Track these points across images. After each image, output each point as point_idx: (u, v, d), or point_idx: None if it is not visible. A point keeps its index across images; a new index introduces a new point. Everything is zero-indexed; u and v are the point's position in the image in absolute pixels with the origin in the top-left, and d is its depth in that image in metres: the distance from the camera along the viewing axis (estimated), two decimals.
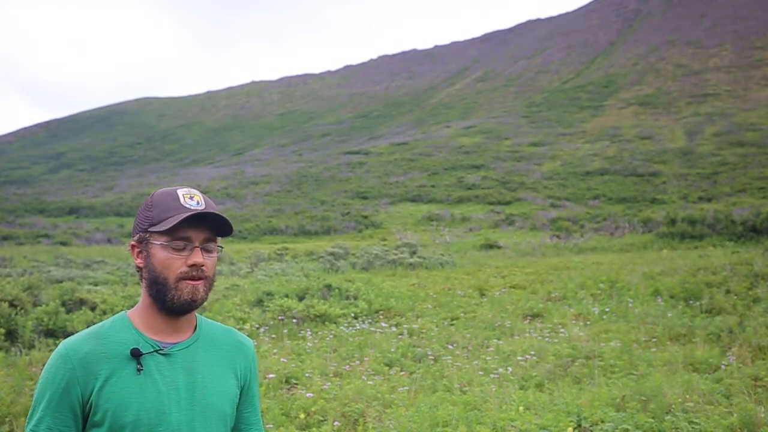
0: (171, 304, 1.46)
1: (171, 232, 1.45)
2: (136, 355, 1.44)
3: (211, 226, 1.50)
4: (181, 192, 1.50)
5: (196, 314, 1.60)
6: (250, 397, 1.65)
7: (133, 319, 1.51)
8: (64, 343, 1.46)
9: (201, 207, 1.48)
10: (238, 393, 1.60)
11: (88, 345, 1.44)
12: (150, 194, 1.55)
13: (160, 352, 1.48)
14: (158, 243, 1.46)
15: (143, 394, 1.42)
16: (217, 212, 1.48)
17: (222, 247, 1.56)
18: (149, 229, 1.47)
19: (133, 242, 1.52)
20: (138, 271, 1.52)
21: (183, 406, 1.46)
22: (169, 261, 1.46)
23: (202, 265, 1.47)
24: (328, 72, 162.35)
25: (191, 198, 1.49)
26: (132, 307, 1.59)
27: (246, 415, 1.65)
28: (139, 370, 1.44)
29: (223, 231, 1.52)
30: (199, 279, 1.47)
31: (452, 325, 8.76)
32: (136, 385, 1.43)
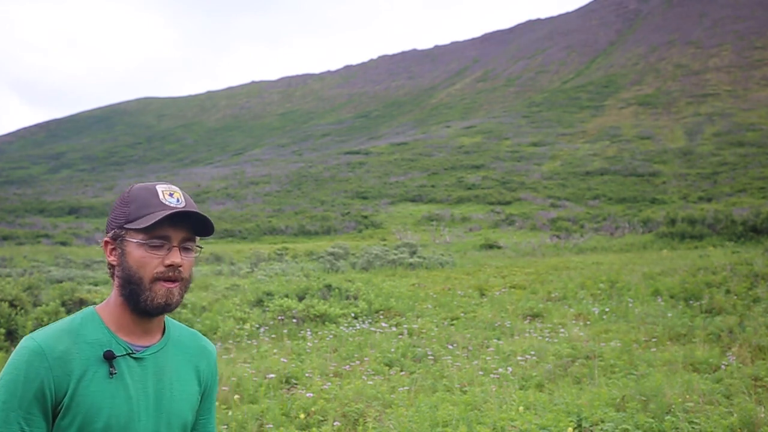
0: (144, 306, 1.39)
1: (149, 230, 1.39)
2: (109, 357, 1.37)
3: (191, 225, 1.43)
4: (160, 188, 1.43)
5: (165, 316, 1.53)
6: (209, 403, 1.60)
7: (103, 317, 1.43)
8: (34, 338, 1.35)
9: (181, 205, 1.42)
10: (199, 399, 1.55)
11: (63, 343, 1.35)
12: (128, 188, 1.47)
13: (132, 355, 1.41)
14: (134, 241, 1.39)
15: (114, 399, 1.36)
16: (198, 211, 1.42)
17: (201, 248, 1.50)
18: (125, 226, 1.40)
19: (106, 238, 1.45)
20: (110, 269, 1.45)
21: (150, 413, 1.41)
22: (145, 260, 1.39)
23: (179, 266, 1.41)
24: (328, 72, 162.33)
25: (171, 195, 1.42)
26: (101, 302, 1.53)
27: (202, 422, 1.59)
28: (112, 373, 1.37)
29: (203, 231, 1.46)
30: (175, 281, 1.41)
31: (452, 325, 8.76)
32: (108, 389, 1.36)
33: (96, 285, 12.77)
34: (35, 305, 8.55)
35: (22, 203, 49.45)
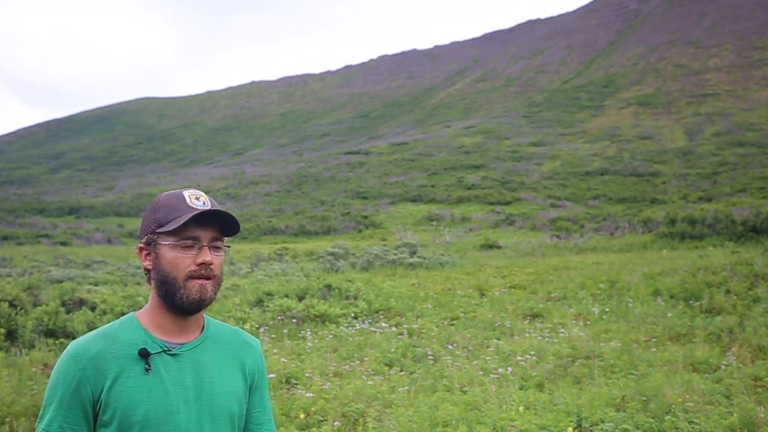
0: (180, 304, 1.48)
1: (179, 232, 1.48)
2: (144, 355, 1.46)
3: (218, 225, 1.52)
4: (186, 193, 1.53)
5: (204, 315, 1.62)
6: (259, 396, 1.66)
7: (141, 320, 1.53)
8: (73, 344, 1.49)
9: (207, 207, 1.51)
10: (247, 393, 1.62)
11: (97, 345, 1.46)
12: (156, 197, 1.58)
13: (168, 352, 1.50)
14: (166, 243, 1.49)
15: (151, 393, 1.45)
16: (224, 210, 1.51)
17: (229, 246, 1.58)
18: (157, 231, 1.50)
19: (140, 245, 1.55)
20: (146, 273, 1.55)
21: (191, 405, 1.49)
22: (178, 260, 1.48)
23: (210, 264, 1.49)
24: (328, 72, 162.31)
25: (197, 198, 1.51)
26: (139, 308, 1.61)
27: (255, 415, 1.65)
28: (147, 370, 1.46)
29: (230, 230, 1.55)
30: (208, 278, 1.49)
31: (452, 325, 8.76)
32: (144, 384, 1.45)
33: (96, 285, 12.77)
34: (35, 305, 8.55)
35: (22, 203, 49.45)
